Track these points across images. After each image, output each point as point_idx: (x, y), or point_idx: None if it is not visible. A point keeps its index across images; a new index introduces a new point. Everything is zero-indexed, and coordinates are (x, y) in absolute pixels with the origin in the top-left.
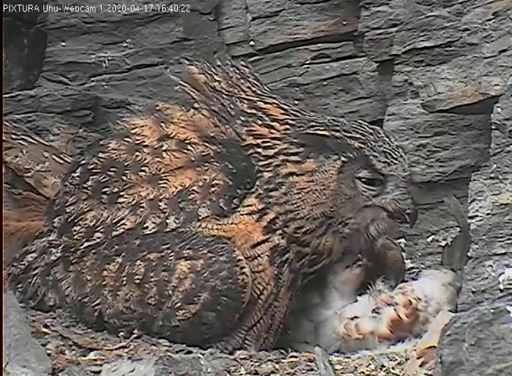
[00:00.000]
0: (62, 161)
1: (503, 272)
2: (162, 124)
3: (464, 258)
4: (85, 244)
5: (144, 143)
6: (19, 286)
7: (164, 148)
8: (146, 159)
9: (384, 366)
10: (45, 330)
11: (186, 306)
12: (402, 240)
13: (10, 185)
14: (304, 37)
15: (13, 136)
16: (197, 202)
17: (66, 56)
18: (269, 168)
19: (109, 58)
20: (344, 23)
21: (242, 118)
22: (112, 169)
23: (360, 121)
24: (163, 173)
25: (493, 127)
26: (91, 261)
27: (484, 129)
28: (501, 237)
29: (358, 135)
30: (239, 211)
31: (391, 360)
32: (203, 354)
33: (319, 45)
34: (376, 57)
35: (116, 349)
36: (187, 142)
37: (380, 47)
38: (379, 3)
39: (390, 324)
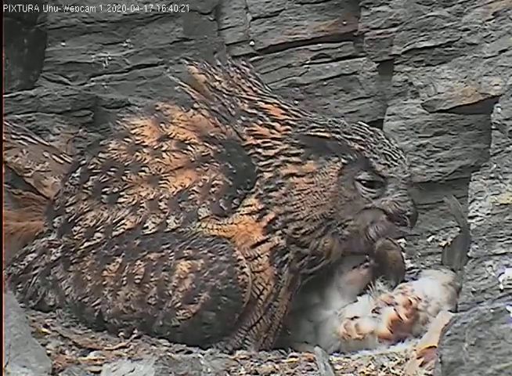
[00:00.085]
0: (62, 161)
1: (503, 272)
2: (162, 124)
3: (464, 258)
4: (85, 244)
5: (144, 143)
6: (19, 286)
7: (163, 148)
8: (145, 159)
9: (384, 366)
10: (45, 330)
11: (186, 306)
12: (402, 240)
13: (10, 185)
14: (304, 37)
15: (13, 136)
16: (197, 202)
17: (66, 56)
18: (269, 169)
19: (109, 58)
20: (344, 23)
21: (242, 118)
22: (112, 169)
23: (360, 123)
24: (163, 173)
25: (493, 127)
26: (92, 261)
27: (484, 129)
28: (501, 237)
29: (358, 137)
30: (239, 211)
31: (391, 360)
32: (203, 354)
33: (319, 45)
34: (376, 57)
35: (116, 349)
36: (187, 142)
37: (380, 47)
38: (379, 3)
39: (390, 324)
